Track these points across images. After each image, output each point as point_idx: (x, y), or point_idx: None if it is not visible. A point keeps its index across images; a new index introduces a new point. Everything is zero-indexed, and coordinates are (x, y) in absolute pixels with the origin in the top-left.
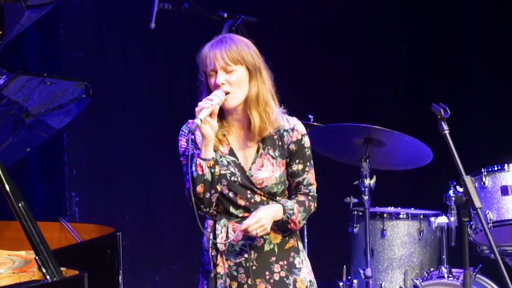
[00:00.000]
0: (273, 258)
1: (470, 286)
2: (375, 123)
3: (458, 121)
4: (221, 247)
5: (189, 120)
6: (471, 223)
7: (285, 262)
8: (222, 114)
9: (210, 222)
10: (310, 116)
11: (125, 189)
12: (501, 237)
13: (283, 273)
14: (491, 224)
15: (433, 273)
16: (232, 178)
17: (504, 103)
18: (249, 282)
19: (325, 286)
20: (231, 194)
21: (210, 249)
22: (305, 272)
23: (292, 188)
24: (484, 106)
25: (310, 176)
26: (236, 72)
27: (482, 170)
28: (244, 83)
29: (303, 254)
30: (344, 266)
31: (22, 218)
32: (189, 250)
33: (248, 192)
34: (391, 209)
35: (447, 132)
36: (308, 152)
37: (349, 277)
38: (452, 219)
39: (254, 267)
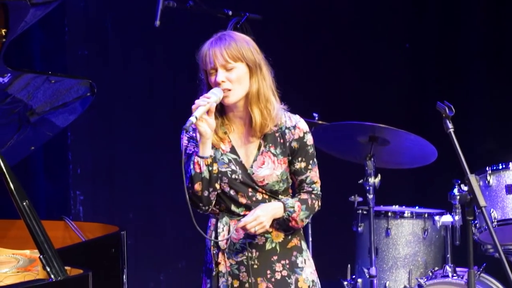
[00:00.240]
0: (275, 257)
1: (474, 285)
2: (380, 121)
3: (463, 119)
4: (222, 245)
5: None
6: (476, 222)
7: (287, 261)
8: (224, 111)
9: (213, 220)
10: (315, 114)
11: (130, 188)
12: (506, 236)
13: (285, 272)
14: (495, 223)
15: (438, 272)
16: (233, 176)
17: (510, 101)
18: (250, 280)
19: (329, 285)
20: (232, 192)
21: (212, 247)
22: (308, 272)
23: (295, 186)
24: (488, 105)
25: (313, 174)
26: (236, 69)
27: (487, 168)
28: (244, 79)
29: (307, 254)
30: (349, 265)
31: (26, 217)
32: (194, 248)
33: (250, 190)
34: (395, 208)
35: (452, 130)
36: (311, 150)
37: (354, 276)
38: (456, 218)
39: (255, 266)
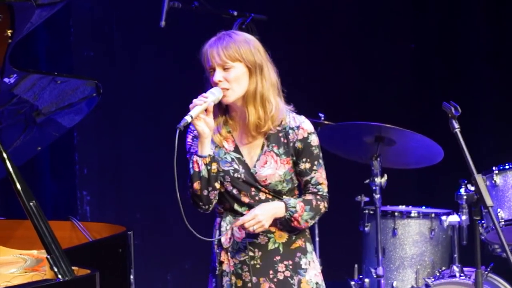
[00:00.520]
0: (278, 258)
1: (482, 285)
2: (386, 121)
3: (469, 119)
4: (225, 244)
5: None
6: (483, 221)
7: (290, 262)
8: (228, 111)
9: (218, 219)
10: (320, 114)
11: (137, 188)
12: None
13: (287, 273)
14: (502, 223)
15: (445, 272)
16: (235, 175)
17: None
18: (253, 280)
19: (336, 285)
20: (235, 191)
21: (216, 246)
22: (312, 274)
23: (301, 187)
24: (495, 104)
25: (318, 175)
26: (234, 69)
27: (493, 168)
28: (243, 79)
29: (311, 256)
30: (356, 265)
31: (33, 217)
32: (201, 248)
33: (253, 189)
34: (402, 207)
35: (458, 130)
36: (316, 151)
37: (361, 276)
38: (463, 217)
39: (258, 266)
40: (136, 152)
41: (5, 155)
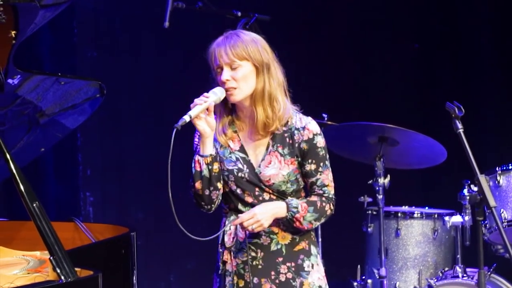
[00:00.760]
0: (280, 259)
1: (484, 286)
2: (389, 122)
3: (472, 120)
4: (228, 243)
5: None
6: (486, 222)
7: (293, 264)
8: (234, 110)
9: (224, 219)
10: (324, 115)
11: (140, 189)
12: None
13: (290, 275)
14: (505, 223)
15: (448, 273)
16: (239, 174)
17: None
18: (254, 281)
19: (339, 286)
20: (239, 191)
21: (219, 245)
22: (315, 277)
23: (307, 188)
24: (500, 105)
25: (324, 177)
26: (242, 68)
27: (497, 168)
28: (250, 78)
29: (315, 259)
30: (358, 266)
31: (36, 218)
32: (204, 249)
33: (257, 189)
34: (405, 208)
35: (461, 130)
36: (322, 152)
37: (364, 277)
38: (466, 218)
39: (259, 266)
40: (139, 153)
41: (8, 156)
